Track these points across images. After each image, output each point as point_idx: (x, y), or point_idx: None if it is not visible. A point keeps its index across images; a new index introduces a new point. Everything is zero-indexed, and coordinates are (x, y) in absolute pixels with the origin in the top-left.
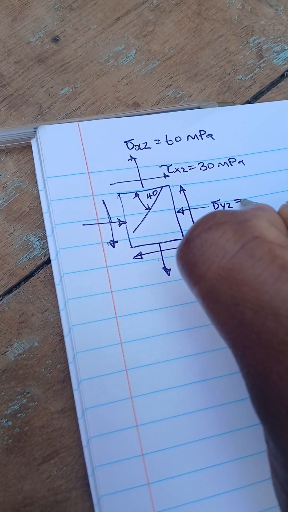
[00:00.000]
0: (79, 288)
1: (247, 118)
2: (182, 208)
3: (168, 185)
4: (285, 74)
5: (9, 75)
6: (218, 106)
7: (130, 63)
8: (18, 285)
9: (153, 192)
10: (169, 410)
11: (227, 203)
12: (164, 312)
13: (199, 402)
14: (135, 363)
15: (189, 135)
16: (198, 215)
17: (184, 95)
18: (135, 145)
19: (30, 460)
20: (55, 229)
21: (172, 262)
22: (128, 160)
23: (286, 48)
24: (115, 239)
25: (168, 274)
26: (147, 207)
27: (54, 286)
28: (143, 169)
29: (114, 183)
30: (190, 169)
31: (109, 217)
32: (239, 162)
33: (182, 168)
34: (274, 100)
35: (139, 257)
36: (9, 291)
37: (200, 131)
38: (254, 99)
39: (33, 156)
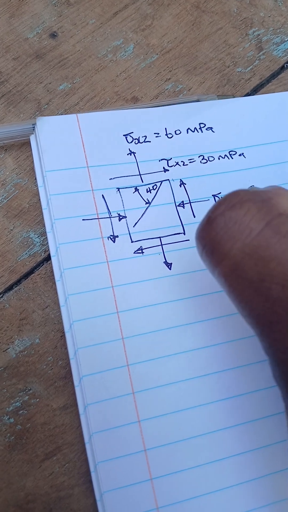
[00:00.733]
0: (80, 283)
1: (247, 111)
2: (182, 201)
3: (168, 180)
4: (285, 66)
5: (7, 71)
6: (218, 99)
7: (128, 58)
8: (18, 282)
9: (152, 187)
10: (171, 405)
11: None
12: (166, 306)
13: (201, 397)
14: (136, 358)
15: (188, 128)
16: (199, 208)
17: (184, 89)
18: (135, 139)
19: (33, 457)
20: (55, 224)
21: (173, 256)
22: (128, 154)
23: (286, 39)
24: (115, 234)
25: (169, 269)
26: (147, 201)
27: (54, 283)
28: (143, 163)
29: (114, 178)
30: (190, 162)
31: (109, 212)
32: (239, 155)
33: (182, 161)
34: (274, 92)
35: (140, 251)
36: (10, 288)
37: (200, 124)
38: (254, 92)
39: (32, 153)
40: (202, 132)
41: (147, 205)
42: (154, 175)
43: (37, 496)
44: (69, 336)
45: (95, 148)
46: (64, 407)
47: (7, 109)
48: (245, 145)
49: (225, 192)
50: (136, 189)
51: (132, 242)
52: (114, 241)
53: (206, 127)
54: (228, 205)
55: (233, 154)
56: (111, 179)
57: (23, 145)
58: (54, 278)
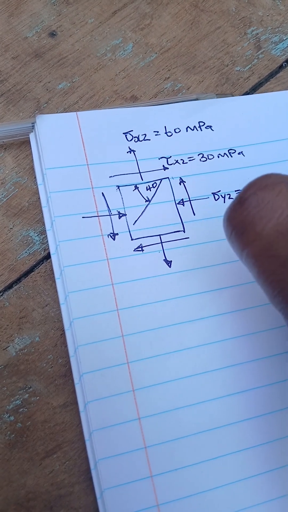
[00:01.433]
0: (80, 281)
1: (246, 109)
2: (182, 199)
3: (168, 178)
4: (283, 65)
5: (6, 70)
6: (217, 98)
7: (127, 57)
8: (18, 280)
9: (152, 185)
10: (171, 403)
11: (228, 194)
12: (165, 304)
13: (201, 394)
14: (136, 356)
15: (188, 127)
16: (198, 206)
17: (182, 88)
18: (134, 137)
19: (33, 455)
20: (55, 221)
21: (173, 254)
22: (127, 152)
23: (285, 38)
24: (115, 232)
25: (169, 266)
26: (147, 199)
27: (54, 281)
28: (142, 161)
29: (113, 176)
30: (189, 160)
31: (109, 210)
32: (238, 153)
33: (181, 159)
34: (273, 91)
35: (140, 249)
36: (10, 286)
37: (199, 122)
38: (252, 90)
39: (31, 151)
40: (201, 130)
41: (147, 203)
42: (153, 173)
43: (38, 494)
44: (69, 334)
45: (95, 146)
46: (64, 405)
47: (7, 108)
48: (244, 144)
49: (224, 190)
50: (136, 187)
51: (132, 239)
52: (114, 239)
53: (205, 126)
54: (260, 186)
55: (232, 153)
56: (111, 177)
57: (23, 144)
58: (53, 277)
